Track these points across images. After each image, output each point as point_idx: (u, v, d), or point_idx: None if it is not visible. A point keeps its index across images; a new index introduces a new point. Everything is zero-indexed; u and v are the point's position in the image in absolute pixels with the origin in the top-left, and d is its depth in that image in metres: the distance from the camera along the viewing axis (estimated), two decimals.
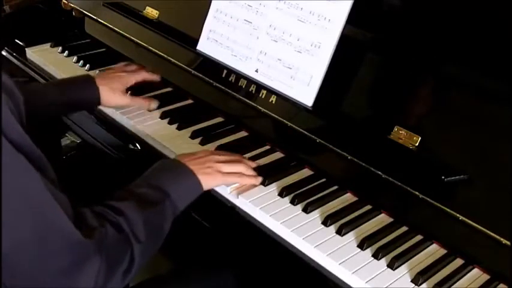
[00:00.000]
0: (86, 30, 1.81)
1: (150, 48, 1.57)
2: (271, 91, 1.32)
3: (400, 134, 1.13)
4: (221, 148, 1.29)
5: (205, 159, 1.14)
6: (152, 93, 1.51)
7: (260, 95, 1.33)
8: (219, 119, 1.43)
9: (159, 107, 1.44)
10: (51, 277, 0.85)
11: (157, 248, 1.01)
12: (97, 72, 1.59)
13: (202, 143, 1.32)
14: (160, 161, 1.13)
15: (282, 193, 1.16)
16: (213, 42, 1.44)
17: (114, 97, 1.36)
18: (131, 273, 0.93)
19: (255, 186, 1.18)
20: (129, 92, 1.46)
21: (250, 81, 1.36)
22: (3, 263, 0.81)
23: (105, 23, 1.70)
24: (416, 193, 1.08)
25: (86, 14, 1.77)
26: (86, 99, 1.34)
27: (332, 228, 1.09)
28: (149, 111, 1.42)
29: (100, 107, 1.43)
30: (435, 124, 1.12)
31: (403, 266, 1.02)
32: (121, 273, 0.90)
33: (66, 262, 0.85)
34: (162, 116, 1.41)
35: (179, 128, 1.37)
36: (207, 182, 1.11)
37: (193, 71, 1.47)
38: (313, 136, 1.23)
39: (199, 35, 1.46)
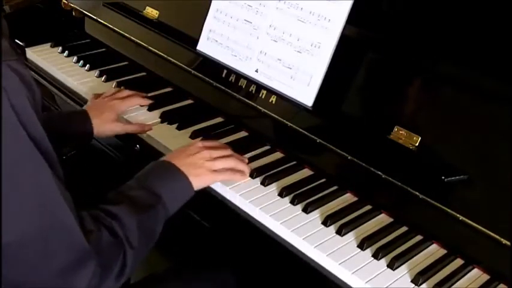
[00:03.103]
0: (86, 30, 1.81)
1: (150, 48, 1.58)
2: (271, 91, 1.32)
3: (400, 134, 1.13)
4: None
5: (196, 158, 1.13)
6: (152, 93, 1.51)
7: (260, 95, 1.33)
8: (219, 119, 1.43)
9: (159, 107, 1.44)
10: (49, 274, 0.87)
11: (149, 250, 1.02)
12: (97, 72, 1.60)
13: None
14: (152, 163, 1.13)
15: (282, 193, 1.16)
16: (213, 42, 1.44)
17: (106, 127, 1.33)
18: (124, 276, 0.94)
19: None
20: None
21: (250, 81, 1.36)
22: (7, 252, 0.82)
23: (105, 23, 1.70)
24: (417, 193, 1.08)
25: (86, 14, 1.77)
26: (78, 133, 1.32)
27: (332, 228, 1.09)
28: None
29: None
30: (435, 124, 1.12)
31: (403, 266, 1.02)
32: (114, 277, 0.92)
33: (66, 262, 0.86)
34: (162, 116, 1.41)
35: (179, 128, 1.37)
36: (198, 183, 1.12)
37: (193, 71, 1.47)
38: (313, 136, 1.23)
39: (199, 35, 1.46)
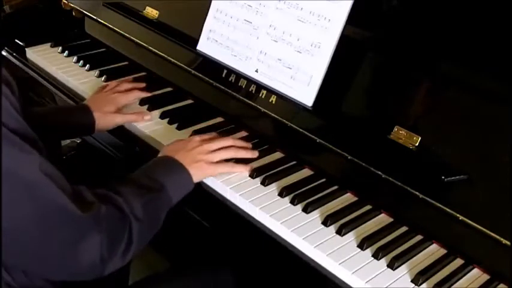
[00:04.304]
0: (86, 30, 1.81)
1: (150, 48, 1.58)
2: (271, 91, 1.32)
3: (400, 134, 1.13)
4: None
5: (195, 153, 1.17)
6: (152, 93, 1.51)
7: (260, 95, 1.33)
8: (219, 119, 1.43)
9: (159, 107, 1.44)
10: (53, 252, 0.88)
11: (152, 235, 1.04)
12: (97, 72, 1.60)
13: None
14: (153, 159, 1.17)
15: (282, 193, 1.16)
16: (213, 42, 1.44)
17: (108, 120, 1.36)
18: (130, 252, 0.96)
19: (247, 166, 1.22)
20: None
21: (250, 81, 1.36)
22: (6, 243, 0.84)
23: (105, 23, 1.70)
24: (416, 193, 1.08)
25: (86, 14, 1.77)
26: (81, 126, 1.35)
27: (332, 228, 1.09)
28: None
29: None
30: (435, 124, 1.12)
31: (403, 266, 1.02)
32: (121, 252, 0.94)
33: (67, 237, 0.88)
34: (162, 116, 1.41)
35: (179, 128, 1.37)
36: (198, 175, 1.15)
37: (193, 71, 1.47)
38: (313, 136, 1.23)
39: (199, 35, 1.46)
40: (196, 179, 1.14)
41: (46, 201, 0.86)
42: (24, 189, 0.83)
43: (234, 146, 1.23)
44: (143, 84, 1.50)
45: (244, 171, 1.21)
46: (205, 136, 1.25)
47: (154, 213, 1.04)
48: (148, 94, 1.48)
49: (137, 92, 1.47)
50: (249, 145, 1.27)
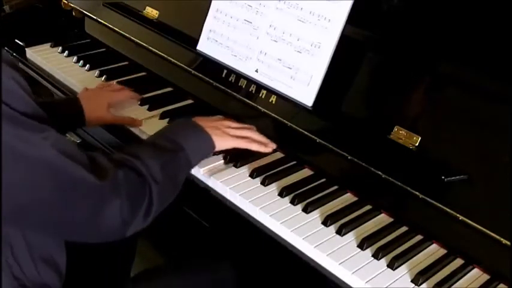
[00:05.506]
0: (86, 30, 1.81)
1: (150, 48, 1.58)
2: (271, 91, 1.32)
3: (400, 134, 1.13)
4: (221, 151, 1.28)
5: (218, 123, 1.21)
6: (152, 93, 1.51)
7: (260, 95, 1.33)
8: None
9: (159, 107, 1.44)
10: (78, 222, 0.91)
11: (173, 197, 1.05)
12: (97, 72, 1.60)
13: None
14: (175, 120, 1.20)
15: (282, 193, 1.16)
16: (213, 42, 1.44)
17: (98, 114, 1.36)
18: (151, 214, 0.97)
19: (265, 153, 1.26)
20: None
21: (250, 81, 1.36)
22: (30, 218, 0.87)
23: (105, 23, 1.70)
24: (417, 193, 1.08)
25: (86, 14, 1.77)
26: (71, 118, 1.35)
27: (332, 228, 1.09)
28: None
29: None
30: (435, 124, 1.12)
31: (403, 266, 1.02)
32: (142, 214, 0.95)
33: (89, 206, 0.89)
34: (162, 116, 1.41)
35: None
36: (218, 143, 1.17)
37: (193, 71, 1.47)
38: (313, 136, 1.23)
39: (199, 35, 1.46)
40: (218, 145, 1.16)
41: (64, 177, 0.87)
42: (41, 169, 0.85)
43: (254, 131, 1.26)
44: (131, 89, 1.49)
45: (265, 151, 1.25)
46: (228, 118, 1.28)
47: (173, 175, 1.04)
48: (138, 96, 1.47)
49: (127, 92, 1.46)
50: (266, 140, 1.28)
